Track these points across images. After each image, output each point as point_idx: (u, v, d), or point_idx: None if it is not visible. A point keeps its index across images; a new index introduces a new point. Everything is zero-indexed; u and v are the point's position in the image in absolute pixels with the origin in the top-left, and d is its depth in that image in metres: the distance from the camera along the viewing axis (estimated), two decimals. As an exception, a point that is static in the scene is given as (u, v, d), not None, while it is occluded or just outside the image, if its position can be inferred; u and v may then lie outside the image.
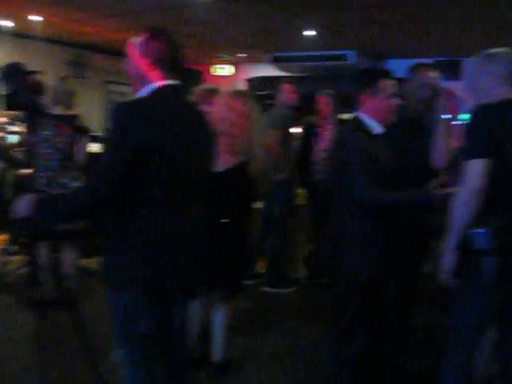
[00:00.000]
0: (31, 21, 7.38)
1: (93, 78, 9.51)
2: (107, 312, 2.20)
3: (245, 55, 9.03)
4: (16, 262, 5.33)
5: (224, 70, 10.51)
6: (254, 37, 7.52)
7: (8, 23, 7.67)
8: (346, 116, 6.31)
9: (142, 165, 2.03)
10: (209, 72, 10.43)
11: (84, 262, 5.20)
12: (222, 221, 3.22)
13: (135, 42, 2.24)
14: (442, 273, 2.42)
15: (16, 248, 5.50)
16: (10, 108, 3.65)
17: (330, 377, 2.96)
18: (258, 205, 5.15)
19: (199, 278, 2.39)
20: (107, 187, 2.04)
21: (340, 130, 3.82)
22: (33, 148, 4.80)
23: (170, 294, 2.22)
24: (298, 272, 5.83)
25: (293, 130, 5.72)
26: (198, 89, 4.22)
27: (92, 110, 8.35)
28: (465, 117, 2.83)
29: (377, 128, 2.86)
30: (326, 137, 5.37)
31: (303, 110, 5.94)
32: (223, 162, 3.19)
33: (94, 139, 5.11)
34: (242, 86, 9.50)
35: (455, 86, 3.17)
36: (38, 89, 4.91)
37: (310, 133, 5.62)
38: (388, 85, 2.86)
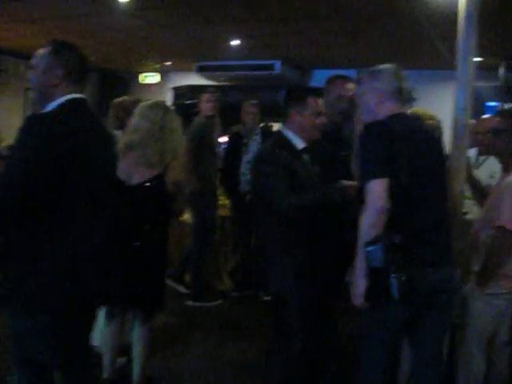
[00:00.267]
0: None
1: (13, 85, 9.13)
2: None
3: (170, 63, 8.94)
4: None
5: (152, 78, 10.41)
6: (181, 45, 7.45)
7: None
8: (276, 126, 6.36)
9: (49, 179, 1.98)
10: (138, 80, 10.28)
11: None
12: (135, 244, 3.11)
13: (42, 54, 2.19)
14: (354, 296, 2.30)
15: None
16: None
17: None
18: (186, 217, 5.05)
19: (108, 288, 2.38)
20: (6, 200, 1.97)
21: (264, 144, 3.82)
22: None
23: (77, 311, 2.13)
24: (224, 285, 5.73)
25: (220, 139, 5.67)
26: (118, 101, 4.13)
27: (11, 118, 8.01)
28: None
29: (300, 144, 2.92)
30: (251, 148, 5.35)
31: (229, 120, 5.92)
32: (139, 175, 3.13)
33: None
34: (169, 95, 9.42)
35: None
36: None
37: (236, 142, 5.59)
38: (316, 103, 2.92)
